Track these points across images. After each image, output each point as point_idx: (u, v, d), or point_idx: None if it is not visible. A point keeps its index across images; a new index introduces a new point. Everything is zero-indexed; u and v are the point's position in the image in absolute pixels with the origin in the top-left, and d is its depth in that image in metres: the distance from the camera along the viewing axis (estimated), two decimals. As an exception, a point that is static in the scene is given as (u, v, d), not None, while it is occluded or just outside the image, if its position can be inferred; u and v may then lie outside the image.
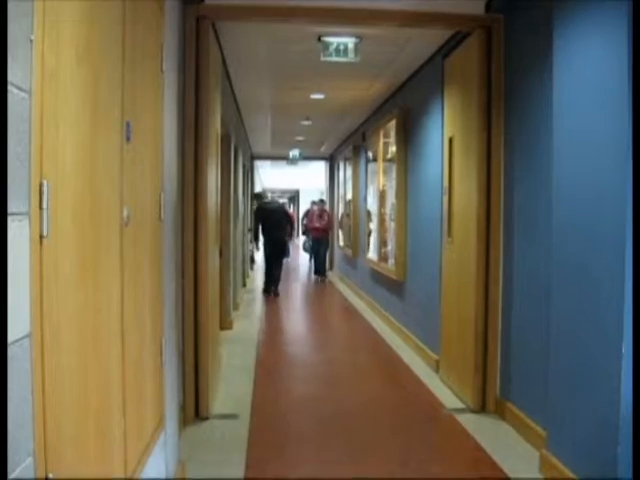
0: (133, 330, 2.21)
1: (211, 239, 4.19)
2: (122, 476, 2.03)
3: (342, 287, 11.60)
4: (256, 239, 10.65)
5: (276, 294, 10.33)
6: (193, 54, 3.93)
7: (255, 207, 10.99)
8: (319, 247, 12.75)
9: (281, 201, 14.51)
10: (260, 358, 5.89)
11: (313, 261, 13.30)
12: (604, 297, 2.73)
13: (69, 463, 1.52)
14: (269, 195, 12.42)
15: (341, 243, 12.62)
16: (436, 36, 5.00)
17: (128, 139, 2.10)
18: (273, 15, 4.14)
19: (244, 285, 10.72)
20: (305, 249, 16.62)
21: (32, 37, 1.29)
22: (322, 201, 13.63)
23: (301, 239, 18.53)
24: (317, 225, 12.76)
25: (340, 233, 12.85)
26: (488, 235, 4.19)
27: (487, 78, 4.18)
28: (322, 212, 12.86)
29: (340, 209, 13.11)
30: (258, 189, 12.21)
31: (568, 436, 3.05)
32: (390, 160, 7.50)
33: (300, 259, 16.71)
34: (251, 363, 5.64)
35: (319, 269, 12.85)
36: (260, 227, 10.23)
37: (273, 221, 10.12)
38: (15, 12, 1.21)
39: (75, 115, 1.59)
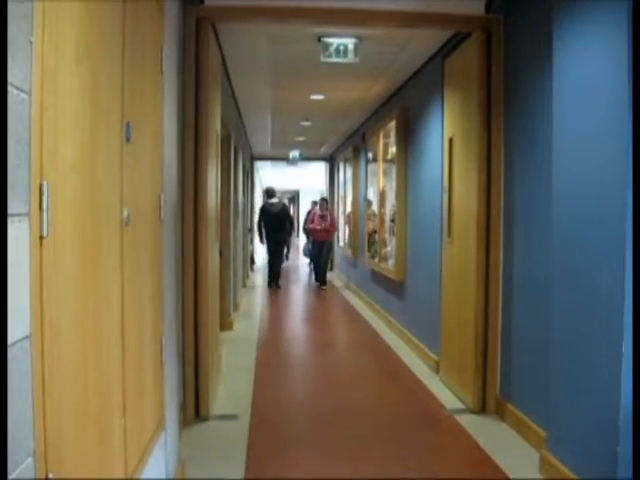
0: (133, 330, 2.21)
1: (211, 239, 4.19)
2: (122, 476, 2.03)
3: (342, 286, 11.60)
4: (260, 235, 11.63)
5: (277, 286, 11.42)
6: (193, 55, 3.93)
7: (260, 205, 12.11)
8: (321, 251, 11.36)
9: (284, 200, 14.19)
10: (260, 358, 5.89)
11: (313, 266, 11.95)
12: (604, 297, 2.73)
13: (69, 463, 1.52)
14: (275, 197, 11.58)
15: (341, 243, 12.59)
16: (436, 37, 5.01)
17: (128, 139, 2.10)
18: (273, 16, 4.15)
19: (244, 286, 10.73)
20: (305, 253, 15.31)
21: (32, 38, 1.30)
22: (324, 200, 11.99)
23: (301, 240, 17.73)
24: (318, 227, 11.33)
25: (341, 234, 12.62)
26: (488, 235, 4.19)
27: (487, 78, 4.18)
28: (324, 212, 11.44)
29: (340, 210, 13.06)
30: (267, 186, 12.07)
31: (568, 436, 3.05)
32: (390, 161, 7.50)
33: (300, 260, 16.67)
34: (251, 363, 5.64)
35: (319, 276, 11.50)
36: (263, 225, 11.28)
37: (275, 223, 11.12)
38: (15, 13, 1.21)
39: (75, 116, 1.59)
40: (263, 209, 11.34)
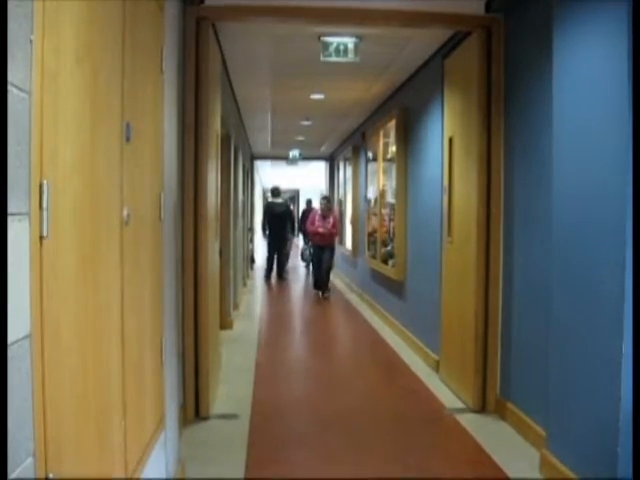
0: (133, 330, 2.21)
1: (211, 239, 4.19)
2: (122, 476, 2.03)
3: (341, 286, 11.60)
4: (263, 231, 12.44)
5: (282, 278, 12.48)
6: (193, 55, 3.93)
7: (265, 204, 13.01)
8: (322, 256, 9.94)
9: (286, 197, 14.57)
10: (260, 358, 5.89)
11: (314, 273, 10.42)
12: (604, 297, 2.73)
13: (69, 463, 1.52)
14: (280, 197, 12.39)
15: (342, 244, 12.57)
16: (436, 36, 5.01)
17: (128, 139, 2.10)
18: (273, 15, 4.14)
19: (244, 285, 10.73)
20: (304, 258, 14.29)
21: (32, 38, 1.30)
22: (327, 199, 10.39)
23: (301, 241, 17.08)
24: (321, 230, 9.79)
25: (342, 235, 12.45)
26: (488, 235, 4.19)
27: (487, 78, 4.18)
28: (327, 213, 9.95)
29: (340, 209, 13.04)
30: (273, 185, 12.89)
31: (568, 436, 3.05)
32: (390, 160, 7.50)
33: (299, 260, 16.62)
34: (251, 363, 5.64)
35: (321, 283, 10.07)
36: (266, 222, 12.07)
37: (277, 222, 11.77)
38: (15, 12, 1.21)
39: (75, 115, 1.59)
40: (267, 208, 12.20)
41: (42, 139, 1.35)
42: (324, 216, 9.90)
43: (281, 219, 11.81)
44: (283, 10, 4.10)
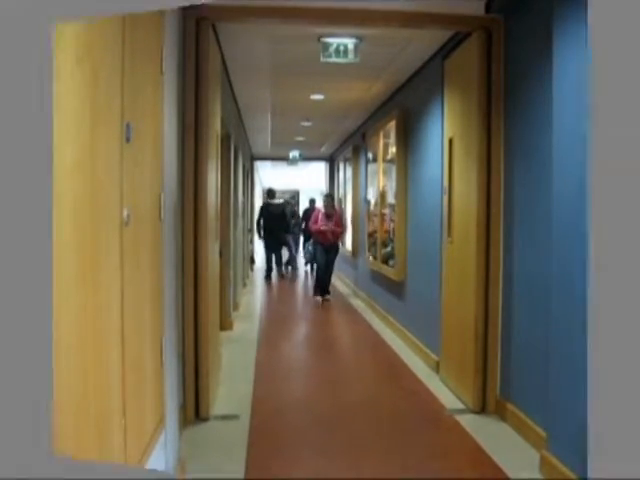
0: (133, 330, 2.21)
1: (211, 239, 4.19)
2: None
3: (341, 287, 11.60)
4: (258, 231, 12.59)
5: (282, 276, 12.94)
6: (193, 55, 3.93)
7: (261, 204, 13.07)
8: (326, 257, 9.50)
9: (285, 198, 14.76)
10: (260, 359, 5.89)
11: (316, 274, 9.98)
12: (604, 297, 2.73)
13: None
14: (276, 198, 12.73)
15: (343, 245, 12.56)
16: (436, 37, 5.01)
17: (128, 140, 2.10)
18: (273, 16, 4.15)
19: (244, 285, 10.73)
20: (306, 259, 14.06)
21: (32, 38, 1.30)
22: (330, 196, 10.11)
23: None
24: (324, 228, 9.35)
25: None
26: (488, 235, 4.19)
27: (487, 79, 4.19)
28: (330, 211, 9.57)
29: (340, 208, 13.02)
30: (268, 187, 13.42)
31: (568, 436, 3.05)
32: (390, 161, 7.50)
33: (302, 261, 16.62)
34: (251, 364, 5.64)
35: (324, 285, 9.61)
36: (263, 223, 12.25)
37: (274, 223, 12.03)
38: (15, 13, 1.21)
39: (75, 116, 1.59)
40: (264, 208, 12.36)
41: (42, 139, 1.34)
42: (328, 215, 9.48)
43: (277, 219, 12.06)
44: (283, 11, 4.10)
